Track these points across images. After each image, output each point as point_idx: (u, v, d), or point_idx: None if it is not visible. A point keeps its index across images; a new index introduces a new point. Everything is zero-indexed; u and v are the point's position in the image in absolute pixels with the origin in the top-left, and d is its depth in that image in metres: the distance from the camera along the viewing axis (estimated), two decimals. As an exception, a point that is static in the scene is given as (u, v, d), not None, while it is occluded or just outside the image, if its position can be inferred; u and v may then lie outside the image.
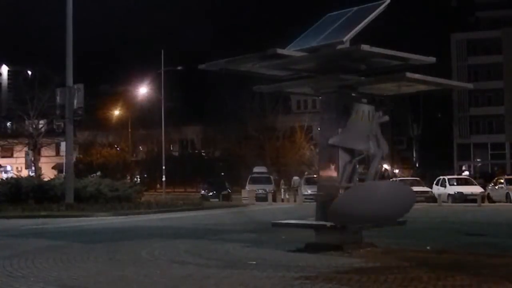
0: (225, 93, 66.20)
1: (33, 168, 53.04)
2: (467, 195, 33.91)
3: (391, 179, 45.42)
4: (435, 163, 65.32)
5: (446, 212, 22.99)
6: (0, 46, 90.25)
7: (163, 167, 47.72)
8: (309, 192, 35.90)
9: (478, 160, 74.17)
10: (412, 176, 54.43)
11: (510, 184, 34.07)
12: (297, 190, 41.44)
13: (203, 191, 43.92)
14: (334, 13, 10.39)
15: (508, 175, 43.05)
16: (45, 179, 28.21)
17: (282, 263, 8.39)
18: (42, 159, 66.81)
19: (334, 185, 9.74)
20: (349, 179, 9.80)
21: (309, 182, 38.90)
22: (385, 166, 77.54)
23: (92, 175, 33.67)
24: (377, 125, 9.98)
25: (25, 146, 60.24)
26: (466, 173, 59.03)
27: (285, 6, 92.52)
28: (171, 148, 79.57)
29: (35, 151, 56.85)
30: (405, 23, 65.28)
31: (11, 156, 72.46)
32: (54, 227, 16.32)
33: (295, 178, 45.24)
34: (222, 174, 64.11)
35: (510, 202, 32.48)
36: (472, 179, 39.80)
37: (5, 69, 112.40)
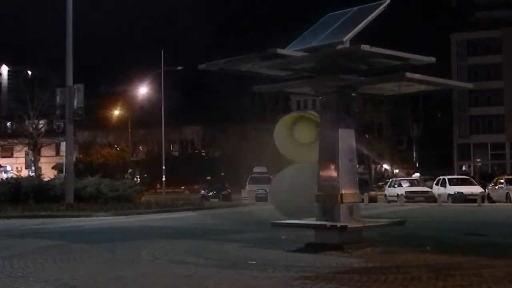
0: (225, 93, 66.26)
1: (33, 168, 53.07)
2: (467, 195, 33.90)
3: (390, 179, 45.47)
4: (435, 163, 65.33)
5: (446, 212, 22.99)
6: (0, 46, 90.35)
7: (163, 167, 47.73)
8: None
9: (478, 160, 74.19)
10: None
11: (510, 184, 34.05)
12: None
13: (203, 191, 43.95)
14: (334, 13, 10.39)
15: (508, 175, 43.03)
16: (45, 179, 28.21)
17: (282, 263, 8.38)
18: (42, 159, 66.88)
19: (334, 185, 9.74)
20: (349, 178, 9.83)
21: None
22: (385, 166, 77.82)
23: (127, 174, 33.61)
24: None
25: (25, 146, 60.30)
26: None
27: (285, 6, 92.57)
28: (171, 148, 79.64)
29: (35, 151, 56.91)
30: (405, 23, 65.28)
31: (11, 156, 72.56)
32: (54, 227, 16.32)
33: None
34: (222, 174, 64.15)
35: (510, 202, 32.46)
36: (472, 179, 39.81)
37: (5, 69, 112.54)
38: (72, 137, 25.38)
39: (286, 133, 11.33)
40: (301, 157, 11.51)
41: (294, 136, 11.31)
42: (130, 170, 45.07)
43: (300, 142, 11.31)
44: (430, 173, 55.43)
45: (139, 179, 67.89)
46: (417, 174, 61.37)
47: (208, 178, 50.27)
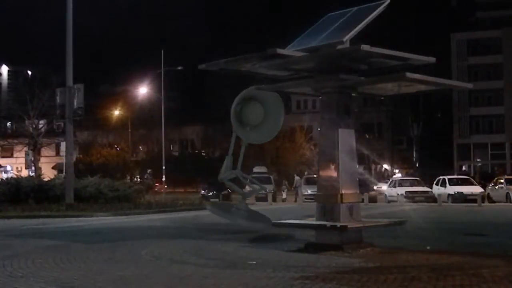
0: (225, 93, 66.19)
1: (33, 168, 53.09)
2: (467, 195, 33.91)
3: (390, 179, 45.45)
4: (435, 163, 65.33)
5: (446, 212, 22.99)
6: (0, 46, 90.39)
7: (163, 167, 47.74)
8: (309, 192, 35.90)
9: (478, 160, 74.18)
10: (412, 176, 54.53)
11: (510, 184, 34.05)
12: (297, 190, 41.45)
13: (203, 191, 43.91)
14: (334, 13, 10.39)
15: (508, 175, 43.02)
16: (45, 179, 28.18)
17: (282, 263, 8.38)
18: (42, 159, 66.90)
19: (334, 185, 9.74)
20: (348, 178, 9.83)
21: (309, 182, 38.89)
22: (385, 166, 77.82)
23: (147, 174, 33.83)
24: None
25: (25, 146, 60.34)
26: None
27: (285, 6, 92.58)
28: (171, 148, 79.58)
29: (35, 151, 56.94)
30: (405, 23, 65.29)
31: (11, 156, 72.57)
32: (54, 227, 16.32)
33: (297, 178, 45.14)
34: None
35: (510, 202, 32.45)
36: (472, 179, 39.80)
37: (5, 69, 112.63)
38: (72, 137, 25.37)
39: (235, 117, 12.17)
40: (252, 138, 12.68)
41: (242, 120, 12.22)
42: (149, 171, 45.66)
43: (249, 124, 12.27)
44: (419, 173, 55.45)
45: (139, 179, 67.88)
46: (398, 175, 61.86)
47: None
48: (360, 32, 9.56)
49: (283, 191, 42.88)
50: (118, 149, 73.52)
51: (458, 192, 34.80)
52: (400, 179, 42.53)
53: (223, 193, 40.68)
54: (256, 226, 10.65)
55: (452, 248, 10.05)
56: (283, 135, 69.79)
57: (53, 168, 69.58)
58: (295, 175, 46.48)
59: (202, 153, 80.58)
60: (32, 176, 39.45)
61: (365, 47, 8.71)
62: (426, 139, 72.18)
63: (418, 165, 73.04)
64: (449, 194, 34.85)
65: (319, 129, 10.39)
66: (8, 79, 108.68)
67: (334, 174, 9.75)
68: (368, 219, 11.15)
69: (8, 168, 71.91)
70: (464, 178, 39.73)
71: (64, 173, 27.11)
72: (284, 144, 67.26)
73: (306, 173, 48.73)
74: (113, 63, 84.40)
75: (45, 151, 68.93)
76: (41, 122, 57.88)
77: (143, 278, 7.47)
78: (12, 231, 14.90)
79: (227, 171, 12.71)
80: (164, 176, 48.04)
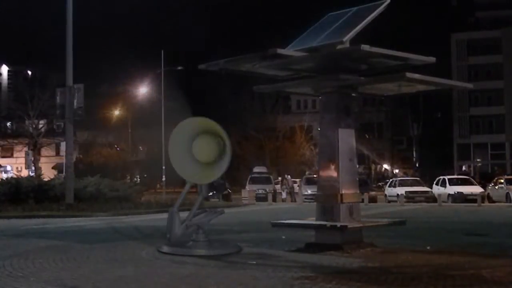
0: (225, 93, 66.25)
1: (33, 168, 53.11)
2: (467, 195, 33.95)
3: (390, 179, 45.47)
4: (435, 163, 65.39)
5: (446, 212, 22.99)
6: (0, 46, 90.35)
7: (163, 167, 47.73)
8: (309, 192, 35.92)
9: (478, 160, 74.21)
10: (413, 176, 54.58)
11: (510, 184, 34.08)
12: (291, 191, 41.44)
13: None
14: (334, 13, 10.39)
15: (508, 175, 43.04)
16: (45, 179, 28.19)
17: (282, 263, 8.38)
18: (42, 159, 66.91)
19: (334, 185, 9.74)
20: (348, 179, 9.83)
21: (309, 182, 38.90)
22: (385, 166, 77.86)
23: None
24: None
25: (25, 146, 60.42)
26: None
27: (285, 6, 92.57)
28: (171, 148, 79.55)
29: (35, 151, 57.02)
30: (405, 23, 65.31)
31: (11, 156, 72.65)
32: (54, 227, 16.31)
33: (288, 178, 44.82)
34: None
35: (510, 202, 32.47)
36: (472, 179, 39.83)
37: (5, 69, 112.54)
38: (72, 137, 25.36)
39: (182, 149, 10.05)
40: (199, 178, 10.36)
41: (192, 154, 9.93)
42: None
43: (198, 161, 10.02)
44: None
45: (139, 179, 67.89)
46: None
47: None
48: (360, 32, 9.55)
49: (283, 191, 42.88)
50: (118, 149, 73.52)
51: (458, 192, 34.83)
52: (400, 179, 42.58)
53: (223, 193, 40.68)
54: (222, 253, 9.31)
55: (452, 248, 10.04)
56: (283, 135, 69.98)
57: (53, 168, 69.58)
58: (285, 175, 46.19)
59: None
60: (32, 176, 39.44)
61: (365, 47, 8.71)
62: (426, 139, 72.25)
63: (418, 165, 73.09)
64: (449, 194, 34.89)
65: (319, 129, 10.37)
66: (8, 79, 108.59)
67: (334, 174, 9.75)
68: (368, 219, 11.15)
69: (8, 168, 71.95)
70: (464, 178, 39.77)
71: (64, 173, 27.11)
72: (284, 144, 67.34)
73: (307, 172, 48.62)
74: (113, 63, 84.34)
75: (45, 151, 68.97)
76: (41, 122, 57.97)
77: (143, 278, 7.47)
78: (12, 231, 14.89)
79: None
80: (164, 176, 48.01)
